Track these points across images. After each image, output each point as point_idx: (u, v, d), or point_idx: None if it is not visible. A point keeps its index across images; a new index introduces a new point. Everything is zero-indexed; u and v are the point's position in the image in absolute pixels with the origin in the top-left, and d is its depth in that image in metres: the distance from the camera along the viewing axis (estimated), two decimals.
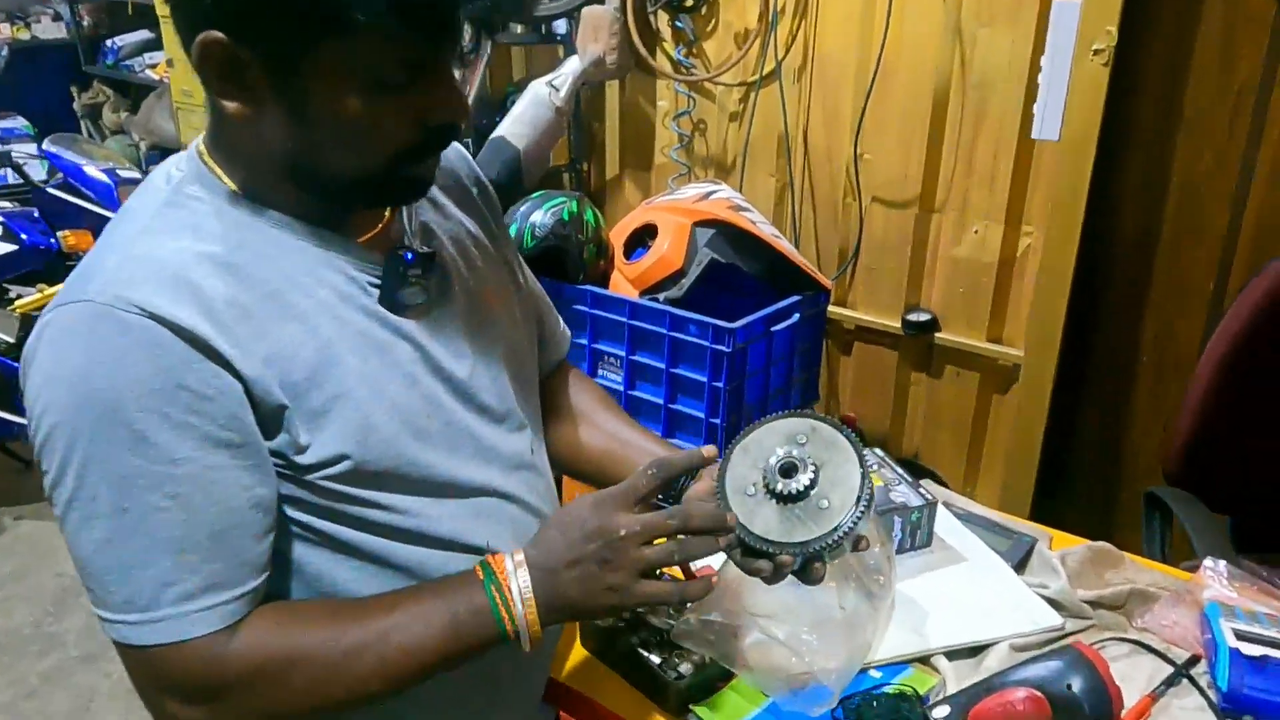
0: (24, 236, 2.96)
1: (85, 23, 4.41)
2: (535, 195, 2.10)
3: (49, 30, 4.46)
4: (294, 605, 0.85)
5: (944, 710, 0.95)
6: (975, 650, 1.07)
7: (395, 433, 0.85)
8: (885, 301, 2.41)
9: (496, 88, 2.84)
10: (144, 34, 4.23)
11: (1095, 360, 2.26)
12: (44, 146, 3.28)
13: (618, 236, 2.16)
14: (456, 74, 0.81)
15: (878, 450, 1.31)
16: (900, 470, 1.26)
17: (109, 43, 4.33)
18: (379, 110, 0.77)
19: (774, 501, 0.87)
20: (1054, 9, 1.92)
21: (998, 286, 2.24)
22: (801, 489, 0.86)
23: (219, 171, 0.83)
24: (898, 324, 2.38)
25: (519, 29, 2.69)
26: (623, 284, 2.08)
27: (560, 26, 2.63)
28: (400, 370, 0.86)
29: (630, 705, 1.00)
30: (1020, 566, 1.22)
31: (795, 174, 2.45)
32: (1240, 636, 1.04)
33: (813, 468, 0.87)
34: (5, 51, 4.24)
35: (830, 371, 2.55)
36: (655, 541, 0.83)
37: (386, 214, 0.91)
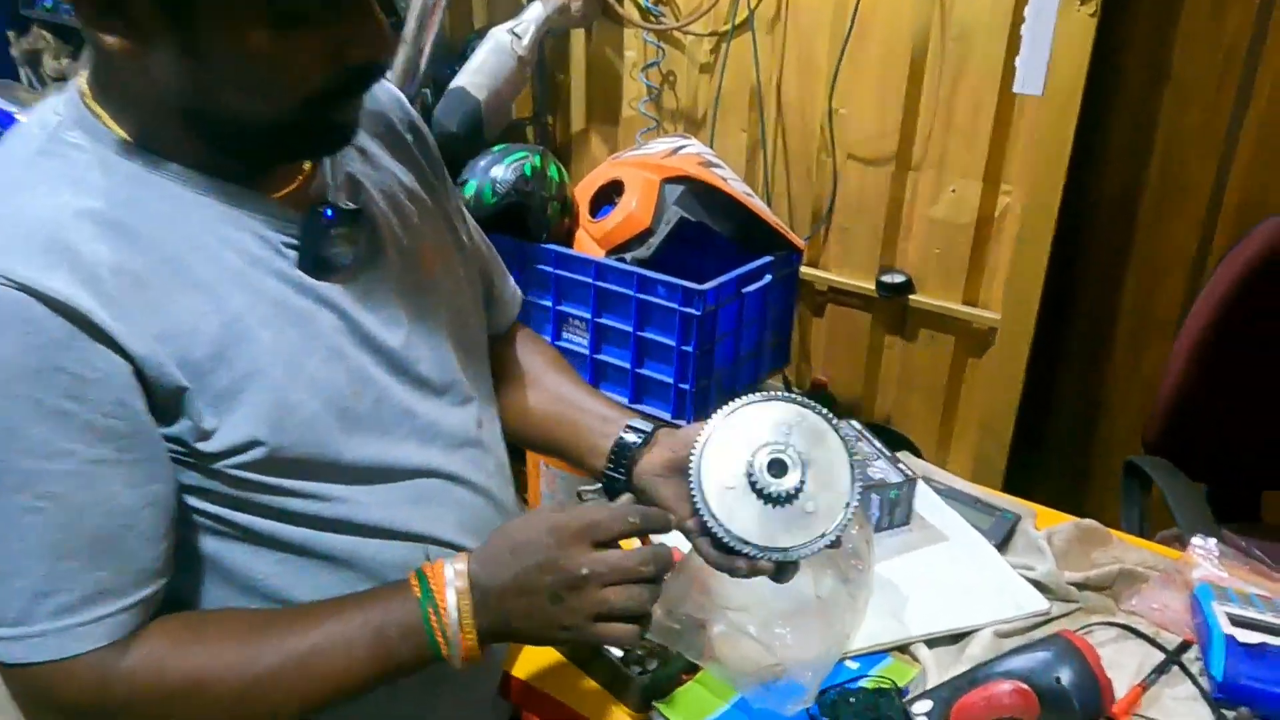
0: None
1: None
2: (496, 149, 2.00)
3: None
4: (198, 619, 0.76)
5: (926, 705, 0.89)
6: (957, 637, 1.01)
7: (316, 413, 0.75)
8: (859, 262, 2.34)
9: (456, 36, 2.71)
10: None
11: (1073, 324, 2.21)
12: None
13: (583, 193, 2.07)
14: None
15: (854, 422, 1.25)
16: (878, 444, 1.20)
17: None
18: (288, 46, 0.66)
19: (757, 499, 0.79)
20: None
21: (975, 247, 2.17)
22: (790, 492, 0.79)
23: (105, 117, 0.72)
24: (872, 286, 2.31)
25: None
26: (588, 243, 2.00)
27: None
28: (322, 342, 0.77)
29: (591, 701, 0.93)
30: (1003, 545, 1.16)
31: (768, 129, 2.36)
32: (1235, 622, 0.99)
33: (802, 467, 0.79)
34: None
35: (802, 335, 2.48)
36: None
37: (307, 166, 0.81)
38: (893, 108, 2.16)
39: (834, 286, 2.39)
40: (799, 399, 0.82)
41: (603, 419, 0.96)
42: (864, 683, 0.92)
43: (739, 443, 0.81)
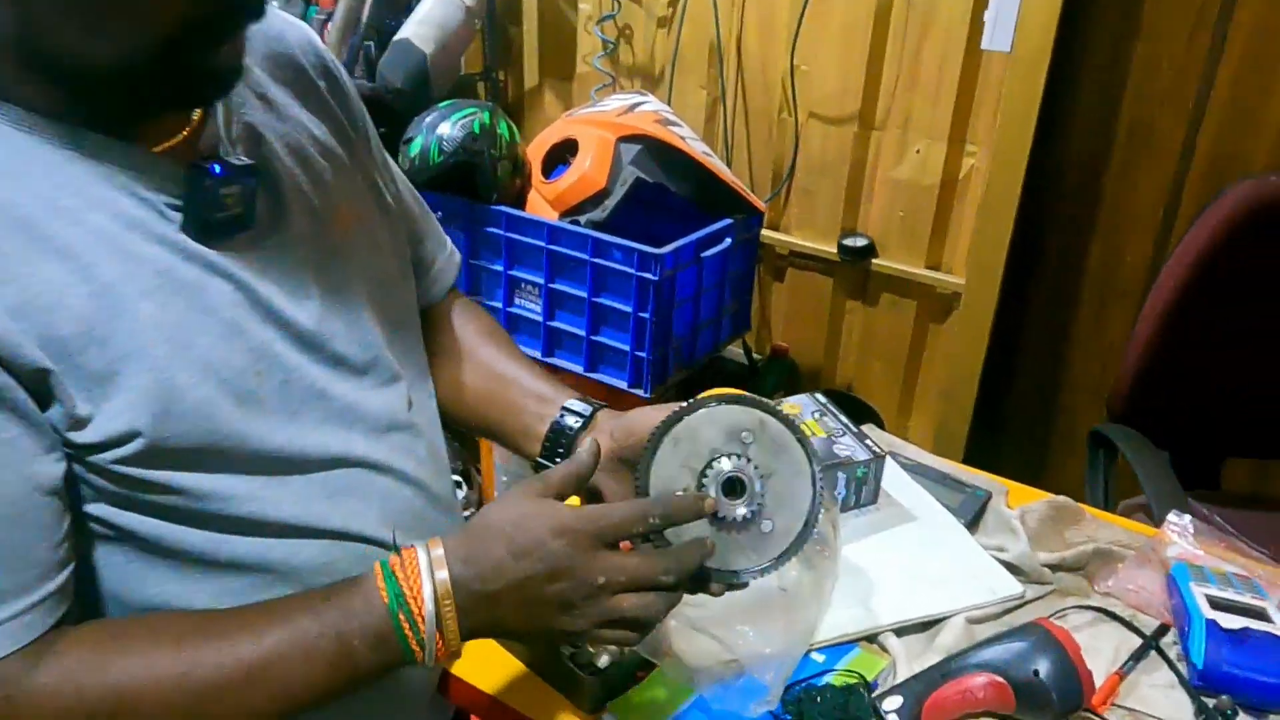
0: None
1: None
2: (443, 105, 1.91)
3: None
4: (122, 625, 0.66)
5: (896, 701, 0.84)
6: (928, 625, 0.96)
7: (208, 398, 0.66)
8: (821, 225, 2.28)
9: None
10: None
11: (1036, 289, 2.17)
12: None
13: (535, 152, 1.99)
14: None
15: (819, 395, 1.18)
16: (844, 419, 1.14)
17: None
18: None
19: (709, 519, 0.72)
20: None
21: (939, 210, 2.12)
22: (745, 518, 0.72)
23: None
24: (833, 249, 2.25)
25: None
26: (541, 205, 1.92)
27: None
28: (216, 317, 0.67)
29: (539, 704, 0.86)
30: (973, 524, 1.11)
31: (728, 86, 2.28)
32: (1215, 605, 0.95)
33: (760, 484, 0.72)
34: None
35: (762, 300, 2.42)
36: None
37: (197, 114, 0.70)
38: (856, 65, 2.09)
39: (795, 250, 2.32)
40: (761, 402, 0.73)
41: (539, 398, 0.88)
42: (831, 678, 0.87)
43: (693, 453, 0.73)
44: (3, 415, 0.59)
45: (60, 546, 0.63)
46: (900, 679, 0.88)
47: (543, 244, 1.86)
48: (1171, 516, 1.12)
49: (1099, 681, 0.89)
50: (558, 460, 0.84)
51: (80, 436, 0.62)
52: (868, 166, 2.17)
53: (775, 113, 2.24)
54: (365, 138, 0.88)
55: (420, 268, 0.95)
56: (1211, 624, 0.92)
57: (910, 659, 0.91)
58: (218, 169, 0.67)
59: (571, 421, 0.85)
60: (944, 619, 0.95)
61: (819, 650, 0.91)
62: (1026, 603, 1.00)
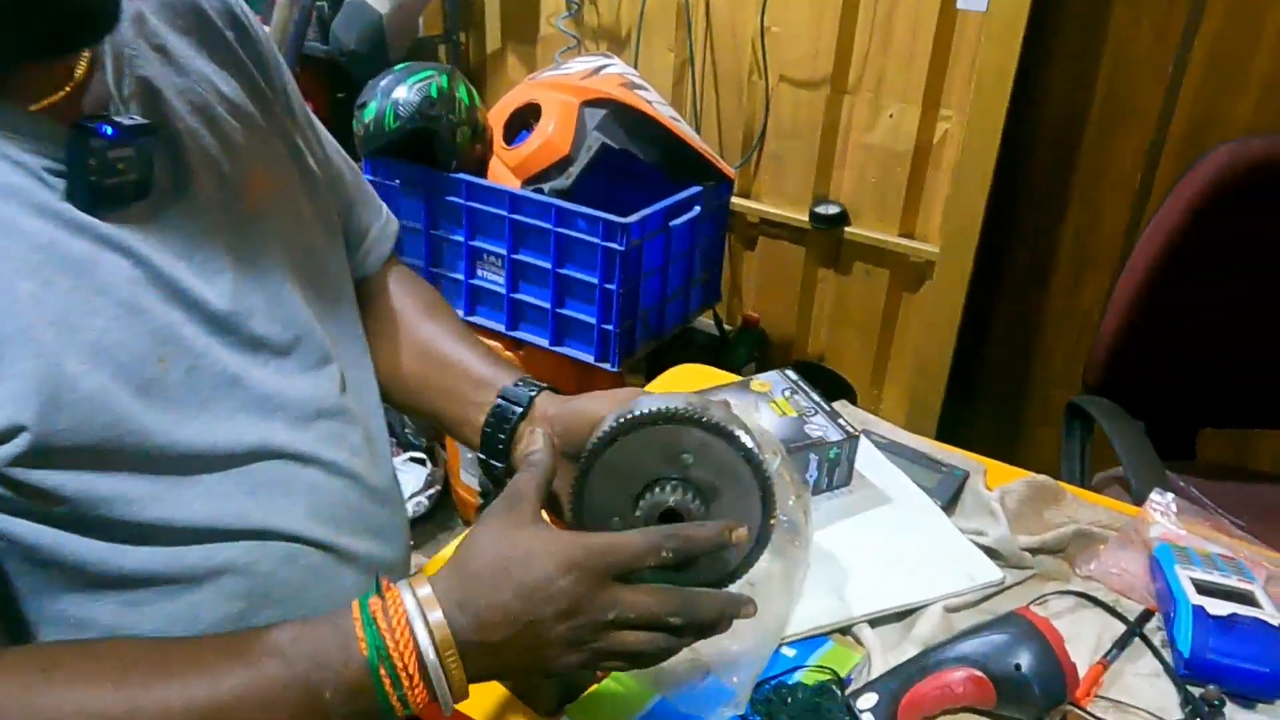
0: None
1: None
2: (399, 68, 1.83)
3: None
4: (50, 653, 0.58)
5: (871, 699, 0.79)
6: (904, 614, 0.91)
7: (103, 387, 0.59)
8: (792, 193, 2.22)
9: None
10: None
11: (1011, 257, 2.13)
12: None
13: (497, 118, 1.92)
14: None
15: (789, 372, 1.13)
16: (816, 397, 1.09)
17: None
18: None
19: None
20: None
21: (912, 176, 2.07)
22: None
23: None
24: (805, 217, 2.20)
25: None
26: (502, 172, 1.85)
27: None
28: (110, 297, 0.61)
29: (495, 709, 0.81)
30: (950, 505, 1.06)
31: (696, 48, 2.21)
32: (1202, 589, 0.91)
33: (702, 509, 0.66)
34: None
35: (733, 269, 2.36)
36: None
37: (80, 69, 0.63)
38: (828, 26, 2.03)
39: (766, 218, 2.27)
40: (702, 416, 0.64)
41: (476, 383, 0.81)
42: (802, 675, 0.82)
43: (624, 473, 0.66)
44: None
45: None
46: (875, 673, 0.84)
47: (505, 213, 1.79)
48: (1154, 495, 1.08)
49: (1082, 671, 0.85)
50: (501, 454, 0.77)
51: None
52: (840, 131, 2.12)
53: (745, 76, 2.18)
54: (284, 93, 0.80)
55: (352, 238, 0.88)
56: (1198, 610, 0.89)
57: (885, 651, 0.87)
58: (108, 130, 0.60)
59: (509, 412, 0.78)
60: (921, 608, 0.91)
61: (790, 645, 0.87)
62: (1006, 588, 0.96)
